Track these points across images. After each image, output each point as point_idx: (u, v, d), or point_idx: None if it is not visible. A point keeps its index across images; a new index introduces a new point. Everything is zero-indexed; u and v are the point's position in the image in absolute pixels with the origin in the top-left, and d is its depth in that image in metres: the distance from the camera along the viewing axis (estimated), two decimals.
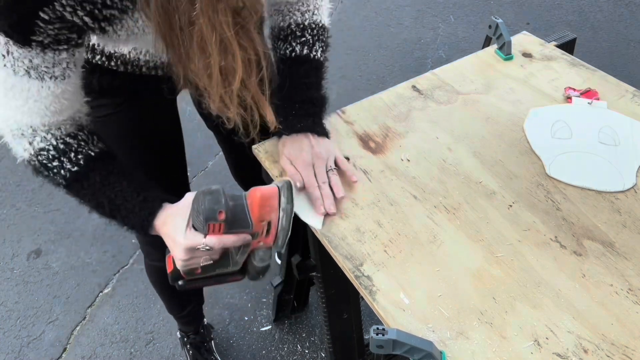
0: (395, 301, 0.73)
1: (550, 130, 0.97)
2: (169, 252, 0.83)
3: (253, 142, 0.97)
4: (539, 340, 0.68)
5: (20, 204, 2.20)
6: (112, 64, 0.91)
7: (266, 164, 0.95)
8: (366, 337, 1.34)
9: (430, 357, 0.64)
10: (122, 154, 1.08)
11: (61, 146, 0.78)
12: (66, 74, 0.73)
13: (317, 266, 1.05)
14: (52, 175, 0.79)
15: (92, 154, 0.81)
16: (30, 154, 0.78)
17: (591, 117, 0.99)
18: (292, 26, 0.95)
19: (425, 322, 0.70)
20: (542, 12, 3.09)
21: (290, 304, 1.63)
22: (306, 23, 0.96)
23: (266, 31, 0.98)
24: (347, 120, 1.02)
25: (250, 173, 1.38)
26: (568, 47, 1.20)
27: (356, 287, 0.76)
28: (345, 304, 1.17)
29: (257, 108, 0.75)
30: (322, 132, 0.93)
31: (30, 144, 0.77)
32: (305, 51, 0.95)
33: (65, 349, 1.72)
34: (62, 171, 0.79)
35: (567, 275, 0.75)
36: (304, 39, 0.95)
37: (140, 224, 0.82)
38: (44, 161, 0.78)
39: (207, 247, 0.76)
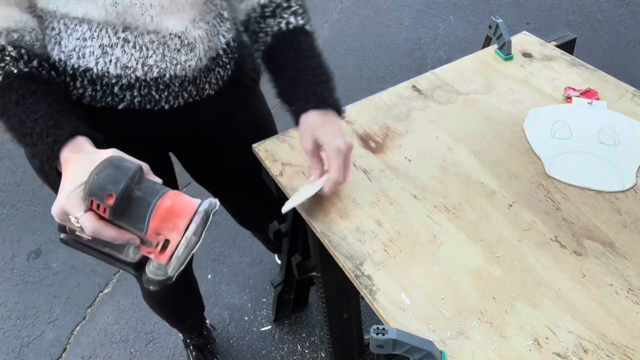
0: (395, 301, 0.73)
1: (550, 130, 0.97)
2: None
3: None
4: (539, 340, 0.68)
5: (20, 204, 2.20)
6: (78, 84, 0.83)
7: (266, 163, 0.95)
8: (366, 337, 1.34)
9: (431, 356, 0.64)
10: None
11: None
12: None
13: (317, 266, 1.05)
14: None
15: (15, 70, 0.71)
16: None
17: (591, 117, 0.99)
18: None
19: (425, 321, 0.70)
20: (542, 12, 3.09)
21: (290, 304, 1.63)
22: None
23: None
24: (347, 120, 1.02)
25: (254, 220, 1.35)
26: (568, 47, 1.20)
27: (356, 287, 0.76)
28: (345, 304, 1.17)
29: None
30: (341, 110, 0.84)
31: None
32: (300, 21, 0.86)
33: (65, 349, 1.72)
34: None
35: (567, 275, 0.75)
36: (293, 8, 0.86)
37: (47, 154, 0.68)
38: None
39: (78, 225, 0.64)
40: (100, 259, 0.71)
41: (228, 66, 0.95)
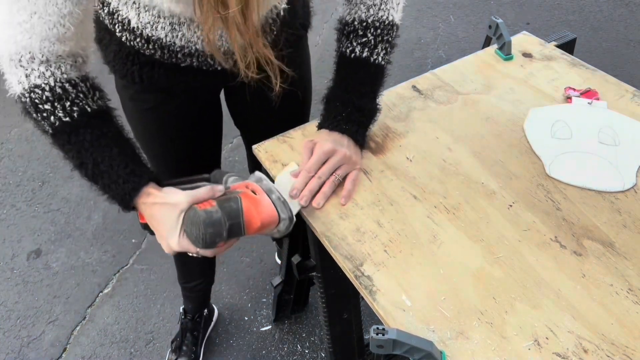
0: (395, 301, 0.73)
1: (550, 130, 0.97)
2: None
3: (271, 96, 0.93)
4: (539, 340, 0.68)
5: (20, 204, 2.20)
6: (150, 47, 0.90)
7: (266, 164, 0.95)
8: (366, 337, 1.34)
9: (430, 357, 0.64)
10: (157, 145, 1.10)
11: (58, 90, 0.74)
12: None
13: (317, 266, 1.05)
14: (40, 119, 0.75)
15: (89, 109, 0.76)
16: (24, 89, 0.73)
17: (591, 117, 0.99)
18: (356, 22, 0.89)
19: (425, 322, 0.70)
20: (542, 12, 3.09)
21: (290, 304, 1.63)
22: (370, 20, 0.89)
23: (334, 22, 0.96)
24: None
25: None
26: (568, 47, 1.20)
27: (356, 287, 0.76)
28: (345, 304, 1.17)
29: (254, 50, 0.74)
30: (361, 143, 0.92)
31: (27, 77, 0.73)
32: (365, 54, 0.89)
33: (65, 349, 1.72)
34: (52, 118, 0.75)
35: (567, 275, 0.75)
36: (365, 39, 0.89)
37: (121, 197, 0.78)
38: (36, 100, 0.74)
39: (200, 255, 0.78)
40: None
41: (274, 27, 0.97)
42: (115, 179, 0.77)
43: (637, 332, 0.68)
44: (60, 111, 0.74)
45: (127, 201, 0.78)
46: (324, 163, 0.88)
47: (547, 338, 0.68)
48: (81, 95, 0.76)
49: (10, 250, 2.03)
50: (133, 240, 2.02)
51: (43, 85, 0.73)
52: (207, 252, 0.78)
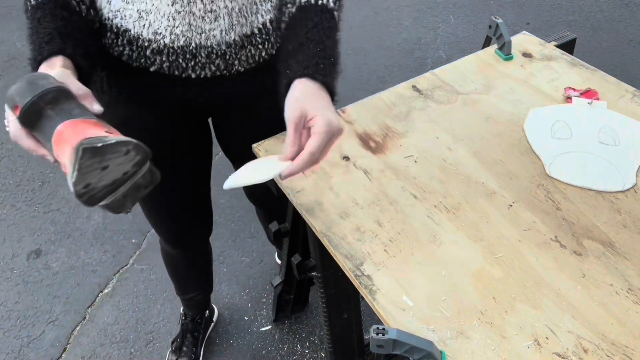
0: (395, 301, 0.73)
1: (550, 130, 0.97)
2: None
3: None
4: (539, 340, 0.68)
5: (20, 204, 2.20)
6: (119, 43, 0.90)
7: None
8: (366, 337, 1.34)
9: (430, 356, 0.64)
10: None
11: None
12: None
13: (317, 266, 1.05)
14: None
15: None
16: None
17: (591, 117, 0.99)
18: None
19: (425, 321, 0.70)
20: (542, 12, 3.09)
21: (290, 304, 1.63)
22: None
23: None
24: (347, 120, 1.02)
25: (265, 194, 1.38)
26: (568, 47, 1.20)
27: (356, 287, 0.76)
28: (345, 304, 1.17)
29: None
30: (334, 93, 0.77)
31: None
32: (330, 2, 0.84)
33: (65, 349, 1.72)
34: None
35: (567, 275, 0.75)
36: None
37: (30, 63, 0.77)
38: None
39: (7, 127, 0.70)
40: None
41: (261, 46, 0.95)
42: (37, 45, 0.76)
43: (637, 332, 0.68)
44: None
45: (33, 69, 0.76)
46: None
47: (547, 338, 0.68)
48: None
49: (10, 250, 2.03)
50: (133, 240, 2.02)
51: None
52: (11, 127, 0.68)
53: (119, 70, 0.94)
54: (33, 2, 0.80)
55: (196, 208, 1.26)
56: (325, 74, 0.76)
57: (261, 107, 1.04)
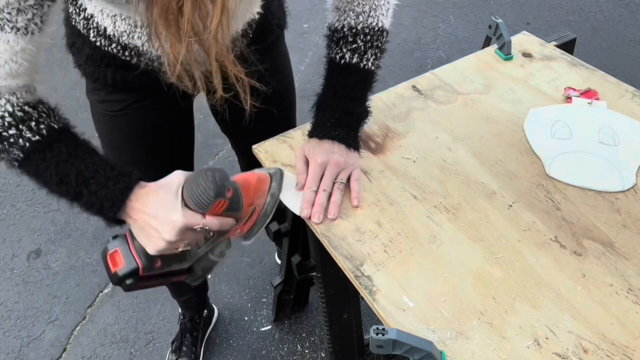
0: (395, 301, 0.73)
1: (550, 130, 0.97)
2: (113, 246, 0.73)
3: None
4: (539, 340, 0.68)
5: (20, 204, 2.20)
6: (127, 54, 0.89)
7: (266, 164, 0.95)
8: (366, 337, 1.34)
9: (430, 357, 0.64)
10: (127, 152, 1.07)
11: (19, 114, 0.70)
12: (30, 28, 0.66)
13: (317, 266, 1.05)
14: (8, 146, 0.70)
15: (56, 126, 0.73)
16: None
17: (591, 117, 0.99)
18: (345, 29, 0.89)
19: (425, 322, 0.70)
20: (542, 12, 3.09)
21: (290, 304, 1.63)
22: (359, 27, 0.89)
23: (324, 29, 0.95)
24: None
25: None
26: (568, 47, 1.20)
27: (356, 287, 0.76)
28: (345, 304, 1.17)
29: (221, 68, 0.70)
30: (354, 146, 0.90)
31: None
32: (355, 60, 0.90)
33: (65, 349, 1.72)
34: (21, 140, 0.70)
35: (567, 275, 0.75)
36: (355, 45, 0.89)
37: (113, 200, 0.72)
38: (0, 129, 0.70)
39: (207, 227, 0.70)
40: (156, 285, 0.78)
41: (250, 30, 0.96)
42: (104, 183, 0.72)
43: (637, 332, 0.68)
44: (28, 132, 0.71)
45: (118, 204, 0.72)
46: (322, 176, 0.87)
47: (547, 338, 0.68)
48: (44, 115, 0.73)
49: (10, 250, 2.03)
50: None
51: (1, 113, 0.70)
52: (214, 221, 0.71)
53: (123, 68, 0.92)
54: (32, 144, 0.72)
55: None
56: (335, 130, 0.90)
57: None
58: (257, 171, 0.81)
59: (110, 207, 0.72)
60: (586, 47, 2.79)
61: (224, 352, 1.69)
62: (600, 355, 0.66)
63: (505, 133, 0.98)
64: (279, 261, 1.90)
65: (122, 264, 0.71)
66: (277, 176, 0.81)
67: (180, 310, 1.68)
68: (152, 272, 0.73)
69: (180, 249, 0.72)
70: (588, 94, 1.03)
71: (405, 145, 0.96)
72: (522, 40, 1.19)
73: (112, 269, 0.71)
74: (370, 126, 1.01)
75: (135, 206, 0.72)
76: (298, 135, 1.00)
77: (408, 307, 0.72)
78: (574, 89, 1.04)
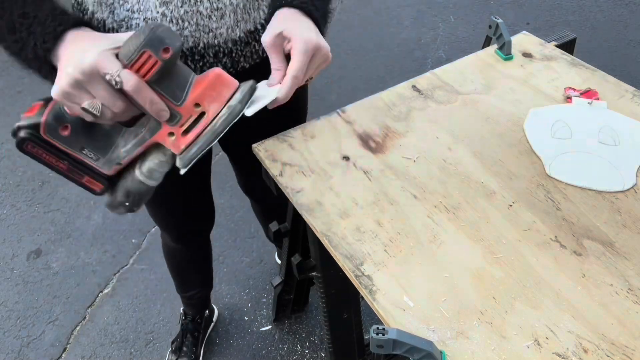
0: (395, 301, 0.73)
1: (550, 130, 0.97)
2: (39, 101, 0.62)
3: None
4: (539, 340, 0.68)
5: (20, 204, 2.20)
6: None
7: (266, 163, 0.95)
8: (366, 337, 1.34)
9: (431, 356, 0.64)
10: None
11: None
12: None
13: (317, 266, 1.05)
14: None
15: None
16: None
17: (591, 117, 0.99)
18: None
19: (425, 321, 0.70)
20: (542, 12, 3.09)
21: (290, 304, 1.63)
22: None
23: None
24: (347, 120, 1.02)
25: (258, 183, 1.37)
26: (568, 47, 1.20)
27: (356, 287, 0.76)
28: (345, 304, 1.17)
29: None
30: (324, 31, 0.76)
31: None
32: None
33: (65, 349, 1.72)
34: None
35: (567, 275, 0.75)
36: None
37: (44, 36, 0.62)
38: None
39: (117, 80, 0.57)
40: (62, 172, 0.63)
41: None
42: (42, 19, 0.63)
43: (637, 332, 0.68)
44: None
45: (50, 41, 0.62)
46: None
47: (547, 338, 0.68)
48: None
49: (10, 250, 2.03)
50: (133, 240, 2.02)
51: None
52: (130, 77, 0.57)
53: None
54: None
55: (199, 201, 1.27)
56: (307, 2, 0.74)
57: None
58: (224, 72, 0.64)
59: (42, 43, 0.62)
60: (586, 47, 2.79)
61: (224, 352, 1.69)
62: (600, 355, 0.66)
63: (505, 133, 0.98)
64: (279, 261, 1.90)
65: (31, 114, 0.61)
66: (245, 88, 0.64)
67: (181, 310, 1.68)
68: (55, 141, 0.62)
69: (84, 106, 0.59)
70: (588, 94, 1.03)
71: (405, 145, 0.97)
72: (522, 40, 1.19)
73: (22, 115, 0.62)
74: (370, 126, 1.01)
75: (67, 42, 0.62)
76: (298, 134, 1.00)
77: (408, 306, 0.72)
78: (574, 89, 1.04)
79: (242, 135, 1.09)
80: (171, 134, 0.63)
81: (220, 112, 0.63)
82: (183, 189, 1.17)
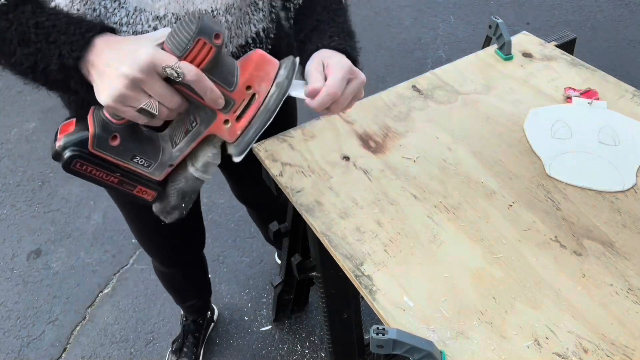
0: (395, 301, 0.73)
1: (550, 130, 0.97)
2: (71, 118, 0.60)
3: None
4: (539, 340, 0.68)
5: (20, 204, 2.20)
6: None
7: (266, 163, 0.95)
8: (366, 337, 1.34)
9: (430, 356, 0.64)
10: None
11: None
12: None
13: (317, 266, 1.05)
14: None
15: None
16: None
17: (591, 117, 0.99)
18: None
19: (425, 321, 0.70)
20: (542, 12, 3.09)
21: (290, 304, 1.63)
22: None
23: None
24: (347, 120, 1.02)
25: (251, 190, 1.36)
26: (568, 47, 1.20)
27: (356, 287, 0.76)
28: (345, 304, 1.17)
29: None
30: (356, 59, 0.78)
31: None
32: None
33: (65, 349, 1.72)
34: None
35: (567, 275, 0.75)
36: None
37: (71, 44, 0.59)
38: None
39: (178, 71, 0.55)
40: (113, 186, 0.61)
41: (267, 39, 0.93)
42: (64, 29, 0.60)
43: (637, 332, 0.68)
44: None
45: (81, 45, 0.59)
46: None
47: (547, 338, 0.68)
48: None
49: (10, 250, 2.03)
50: (133, 240, 2.02)
51: None
52: (190, 68, 0.56)
53: None
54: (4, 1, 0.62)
55: (187, 224, 1.21)
56: (341, 42, 0.76)
57: None
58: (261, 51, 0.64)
59: (70, 51, 0.59)
60: (586, 47, 2.79)
61: (224, 352, 1.69)
62: (600, 355, 0.66)
63: (505, 133, 0.98)
64: (279, 261, 1.90)
65: (70, 131, 0.58)
66: (288, 63, 0.63)
67: (182, 312, 1.68)
68: (105, 154, 0.59)
69: (142, 106, 0.56)
70: (588, 94, 1.03)
71: (406, 145, 0.97)
72: (522, 40, 1.19)
73: (59, 136, 0.58)
74: (370, 126, 1.01)
75: (99, 48, 0.59)
76: (298, 134, 1.00)
77: (408, 306, 0.72)
78: (574, 89, 1.04)
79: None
80: (226, 121, 0.62)
81: (269, 90, 0.62)
82: None
